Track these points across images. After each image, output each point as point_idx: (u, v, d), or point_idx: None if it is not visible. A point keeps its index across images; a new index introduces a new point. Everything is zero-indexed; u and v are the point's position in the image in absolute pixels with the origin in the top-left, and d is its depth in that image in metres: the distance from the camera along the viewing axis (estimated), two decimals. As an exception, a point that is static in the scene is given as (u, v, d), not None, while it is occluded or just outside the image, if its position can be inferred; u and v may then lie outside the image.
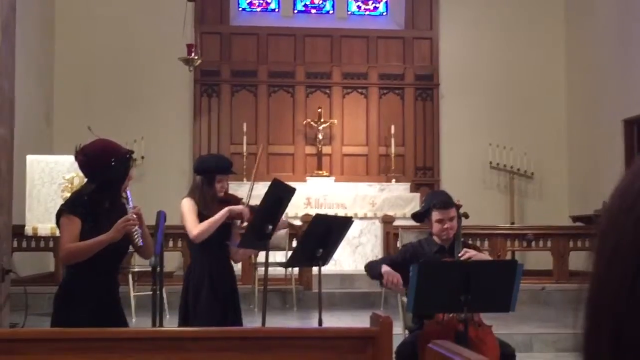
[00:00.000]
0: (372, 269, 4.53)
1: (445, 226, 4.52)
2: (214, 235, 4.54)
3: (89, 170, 3.85)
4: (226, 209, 4.48)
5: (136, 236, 3.75)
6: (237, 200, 4.71)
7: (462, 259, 4.39)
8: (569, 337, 6.92)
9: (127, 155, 3.89)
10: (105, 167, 3.77)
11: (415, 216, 4.82)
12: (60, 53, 12.16)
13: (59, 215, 3.80)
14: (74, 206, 3.79)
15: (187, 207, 4.55)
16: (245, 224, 4.57)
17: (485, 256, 4.71)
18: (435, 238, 4.61)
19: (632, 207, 0.56)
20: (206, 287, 4.48)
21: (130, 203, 3.82)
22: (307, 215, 9.45)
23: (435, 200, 4.67)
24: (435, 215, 4.55)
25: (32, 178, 7.94)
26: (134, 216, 3.73)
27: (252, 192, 4.78)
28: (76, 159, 3.87)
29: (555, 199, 12.48)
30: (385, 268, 4.36)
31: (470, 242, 5.91)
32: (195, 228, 4.48)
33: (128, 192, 3.87)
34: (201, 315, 4.42)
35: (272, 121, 12.53)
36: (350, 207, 11.06)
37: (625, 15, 10.64)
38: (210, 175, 4.60)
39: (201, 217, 4.52)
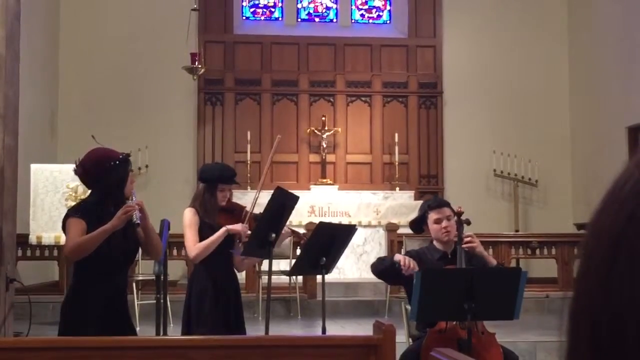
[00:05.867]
0: (383, 260, 4.50)
1: (444, 224, 4.46)
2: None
3: (89, 179, 3.90)
4: (224, 229, 4.47)
5: (134, 217, 3.72)
6: (240, 209, 4.71)
7: (464, 246, 4.39)
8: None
9: (124, 158, 3.92)
10: (104, 173, 3.80)
11: (412, 224, 4.75)
12: (64, 62, 12.20)
13: (65, 219, 3.83)
14: (79, 210, 3.83)
15: (188, 220, 4.54)
16: (245, 240, 4.56)
17: (483, 251, 4.64)
18: (436, 244, 4.59)
19: (617, 197, 0.54)
20: (209, 295, 4.48)
21: (134, 198, 3.86)
22: (311, 223, 9.45)
23: (429, 202, 4.69)
24: (432, 216, 4.52)
25: (36, 187, 7.95)
26: (136, 205, 3.75)
27: (256, 200, 4.76)
28: (76, 172, 3.92)
29: (560, 207, 12.46)
30: (398, 255, 4.34)
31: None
32: (193, 249, 4.48)
33: (134, 195, 3.91)
34: (204, 323, 4.42)
35: (276, 129, 12.50)
36: (355, 215, 11.06)
37: (628, 23, 10.64)
38: (212, 184, 4.60)
39: (203, 225, 4.52)
